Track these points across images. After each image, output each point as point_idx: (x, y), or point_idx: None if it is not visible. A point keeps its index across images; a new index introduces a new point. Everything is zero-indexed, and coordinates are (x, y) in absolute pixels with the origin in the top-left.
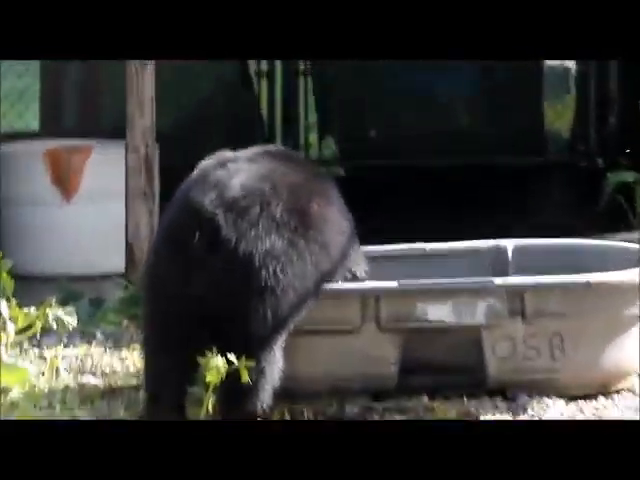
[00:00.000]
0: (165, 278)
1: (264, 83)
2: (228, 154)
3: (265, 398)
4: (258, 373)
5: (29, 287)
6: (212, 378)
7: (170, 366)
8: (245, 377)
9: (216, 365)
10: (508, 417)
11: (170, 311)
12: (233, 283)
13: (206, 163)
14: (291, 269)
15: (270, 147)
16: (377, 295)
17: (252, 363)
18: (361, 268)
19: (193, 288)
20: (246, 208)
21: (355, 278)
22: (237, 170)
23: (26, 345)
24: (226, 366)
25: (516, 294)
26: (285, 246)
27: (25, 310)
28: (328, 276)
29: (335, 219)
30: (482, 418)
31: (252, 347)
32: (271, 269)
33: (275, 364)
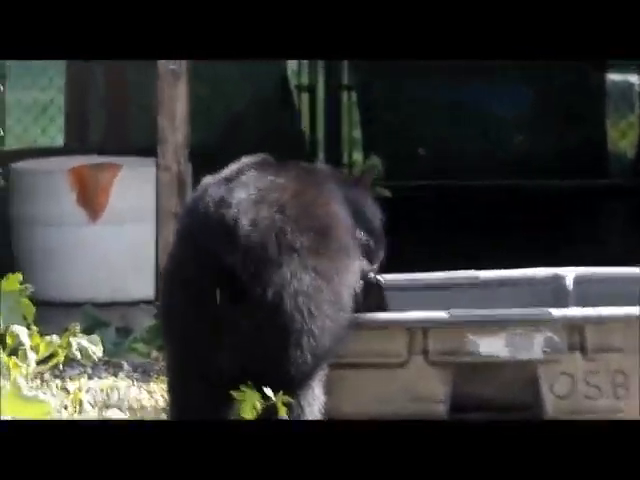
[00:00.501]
0: (192, 338)
1: (305, 97)
2: (215, 179)
3: None
4: (298, 412)
5: (52, 314)
6: (247, 414)
7: (202, 405)
8: (282, 412)
9: (252, 401)
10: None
11: (201, 370)
12: (267, 337)
13: (202, 195)
14: (324, 300)
15: (251, 159)
16: (425, 326)
17: (290, 399)
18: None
19: (226, 350)
20: (263, 246)
21: (378, 284)
22: (240, 201)
23: (48, 376)
24: (262, 402)
25: (576, 327)
26: (312, 277)
27: (47, 338)
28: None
29: (345, 221)
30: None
31: (291, 389)
32: (305, 311)
33: (315, 402)
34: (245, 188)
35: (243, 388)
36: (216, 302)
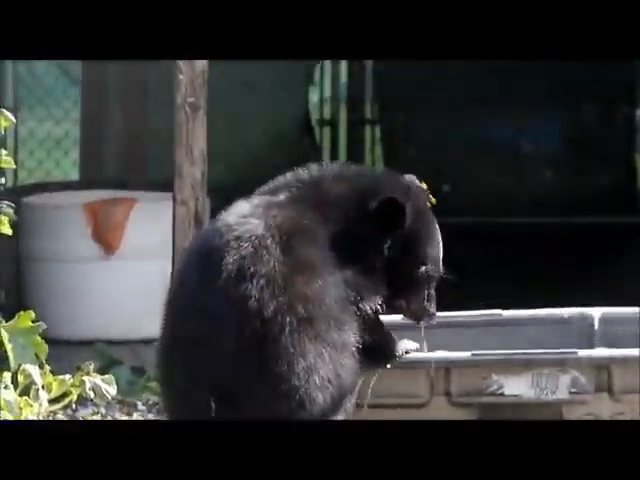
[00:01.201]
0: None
1: (327, 132)
2: (216, 240)
3: None
4: None
5: (65, 352)
6: None
7: None
8: None
9: None
10: None
11: None
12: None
13: (198, 259)
14: (329, 367)
15: (240, 207)
16: (448, 366)
17: None
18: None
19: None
20: (248, 357)
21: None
22: (222, 313)
23: (60, 416)
24: None
25: (603, 368)
26: (316, 344)
27: (60, 377)
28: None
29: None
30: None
31: None
32: (316, 382)
33: None
34: (237, 245)
35: None
36: (211, 411)
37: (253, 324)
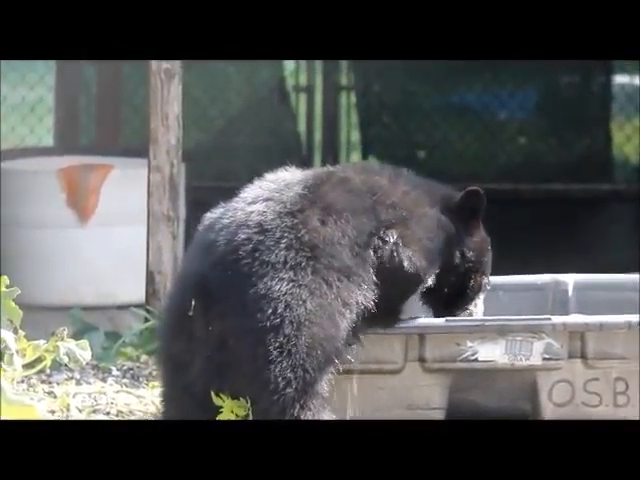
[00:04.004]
0: (172, 350)
1: (302, 98)
2: (218, 209)
3: None
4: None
5: (39, 318)
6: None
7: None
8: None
9: (229, 408)
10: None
11: (183, 383)
12: (232, 334)
13: (207, 219)
14: (300, 307)
15: (275, 176)
16: (422, 333)
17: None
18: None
19: (199, 362)
20: (235, 261)
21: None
22: (225, 226)
23: (34, 381)
24: (240, 409)
25: (577, 334)
26: (286, 286)
27: (34, 343)
28: (363, 292)
29: (347, 232)
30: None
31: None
32: (268, 310)
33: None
34: (245, 208)
35: (222, 396)
36: (189, 312)
37: (254, 237)
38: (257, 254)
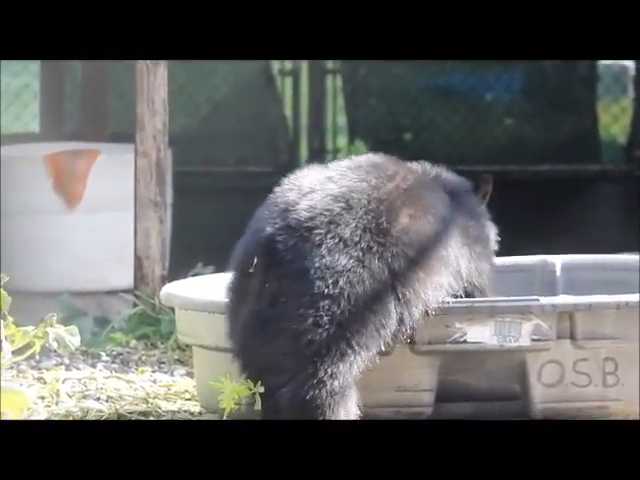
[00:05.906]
0: (234, 306)
1: (288, 82)
2: (309, 171)
3: None
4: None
5: (28, 303)
6: (226, 404)
7: None
8: (258, 404)
9: (231, 392)
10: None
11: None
12: (287, 294)
13: (283, 183)
14: (359, 286)
15: (366, 158)
16: None
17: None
18: (483, 278)
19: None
20: (309, 229)
21: (475, 289)
22: (310, 191)
23: (24, 367)
24: (243, 391)
25: (566, 315)
26: (352, 264)
27: (23, 329)
28: (427, 290)
29: (431, 229)
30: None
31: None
32: (330, 280)
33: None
34: (324, 182)
35: (222, 379)
36: (252, 270)
37: (336, 209)
38: (333, 226)
